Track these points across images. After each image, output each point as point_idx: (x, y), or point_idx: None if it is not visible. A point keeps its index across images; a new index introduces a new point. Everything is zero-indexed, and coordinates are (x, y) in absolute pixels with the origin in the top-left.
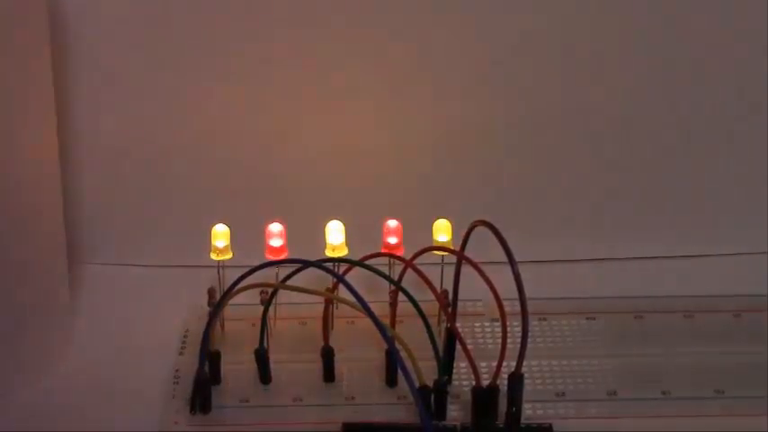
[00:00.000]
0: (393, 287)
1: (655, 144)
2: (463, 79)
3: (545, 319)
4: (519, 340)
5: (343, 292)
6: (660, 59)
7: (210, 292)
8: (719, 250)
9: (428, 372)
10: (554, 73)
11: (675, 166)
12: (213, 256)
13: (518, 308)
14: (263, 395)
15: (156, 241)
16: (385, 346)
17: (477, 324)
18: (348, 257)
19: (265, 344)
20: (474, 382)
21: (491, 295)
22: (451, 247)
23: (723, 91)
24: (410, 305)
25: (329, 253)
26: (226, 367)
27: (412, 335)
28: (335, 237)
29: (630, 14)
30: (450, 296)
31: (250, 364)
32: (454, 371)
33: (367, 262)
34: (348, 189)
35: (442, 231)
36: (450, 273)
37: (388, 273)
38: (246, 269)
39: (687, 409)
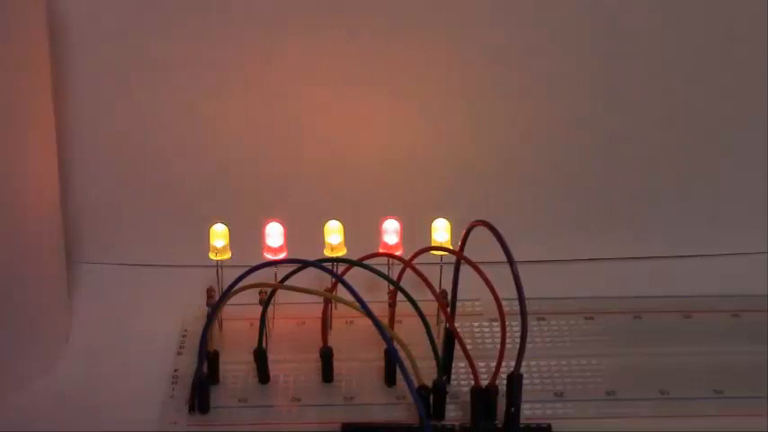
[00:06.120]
0: (392, 287)
1: (655, 144)
2: (463, 79)
3: (544, 319)
4: (518, 340)
5: (341, 291)
6: (660, 60)
7: (209, 291)
8: (719, 250)
9: (427, 372)
10: (554, 73)
11: (675, 165)
12: (212, 256)
13: (517, 308)
14: (261, 395)
15: (155, 241)
16: (384, 346)
17: (475, 324)
18: (347, 257)
19: (264, 344)
20: (473, 382)
21: (490, 295)
22: (450, 247)
23: (723, 91)
24: (409, 305)
25: (328, 253)
26: (224, 367)
27: (411, 335)
28: (334, 237)
29: (629, 16)
30: (449, 296)
31: (249, 364)
32: (453, 371)
33: (366, 262)
34: (347, 189)
35: (441, 231)
36: (449, 273)
37: (386, 273)
38: (245, 269)
39: (686, 410)
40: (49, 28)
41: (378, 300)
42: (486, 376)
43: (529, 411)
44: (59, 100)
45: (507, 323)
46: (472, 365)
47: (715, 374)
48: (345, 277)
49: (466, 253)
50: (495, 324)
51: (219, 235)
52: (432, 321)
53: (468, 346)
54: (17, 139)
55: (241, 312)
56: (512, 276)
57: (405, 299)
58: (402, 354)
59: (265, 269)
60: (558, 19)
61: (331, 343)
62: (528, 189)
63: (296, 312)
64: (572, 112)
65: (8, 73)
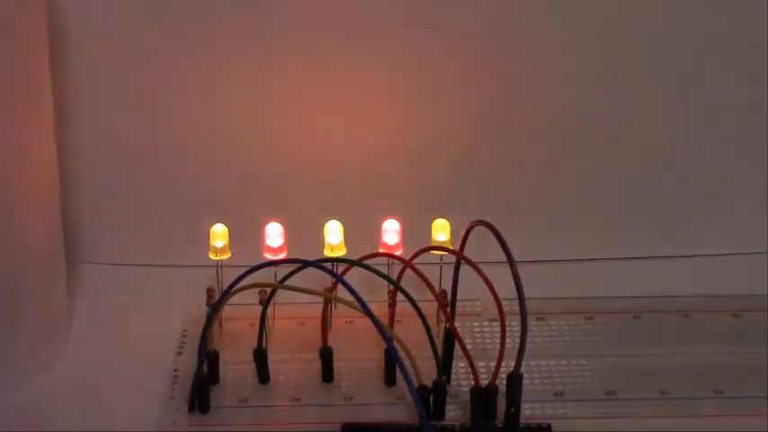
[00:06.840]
0: (392, 287)
1: (654, 144)
2: (463, 79)
3: (544, 319)
4: (518, 340)
5: (341, 291)
6: (660, 59)
7: (209, 291)
8: (719, 250)
9: (427, 372)
10: (554, 73)
11: (675, 165)
12: (212, 256)
13: (517, 308)
14: (261, 395)
15: (155, 241)
16: (384, 345)
17: (475, 324)
18: (347, 257)
19: (264, 344)
20: (473, 382)
21: (490, 295)
22: (450, 247)
23: (723, 90)
24: (409, 305)
25: (328, 253)
26: (224, 367)
27: (411, 335)
28: (334, 236)
29: (630, 15)
30: (449, 296)
31: (249, 364)
32: (453, 371)
33: (366, 262)
34: (347, 189)
35: (441, 231)
36: (449, 273)
37: (386, 273)
38: (245, 269)
39: (686, 410)
40: (49, 28)
41: (378, 300)
42: (486, 376)
43: (529, 411)
44: (59, 100)
45: (507, 323)
46: (472, 365)
47: (715, 374)
48: (345, 277)
49: (466, 253)
50: (495, 324)
51: (219, 235)
52: (432, 321)
53: (468, 346)
54: (17, 139)
55: (241, 312)
56: (512, 276)
57: (405, 299)
58: (402, 354)
59: (265, 269)
60: (558, 17)
61: (331, 343)
62: (528, 189)
63: (296, 312)
64: (572, 112)
65: (8, 73)
